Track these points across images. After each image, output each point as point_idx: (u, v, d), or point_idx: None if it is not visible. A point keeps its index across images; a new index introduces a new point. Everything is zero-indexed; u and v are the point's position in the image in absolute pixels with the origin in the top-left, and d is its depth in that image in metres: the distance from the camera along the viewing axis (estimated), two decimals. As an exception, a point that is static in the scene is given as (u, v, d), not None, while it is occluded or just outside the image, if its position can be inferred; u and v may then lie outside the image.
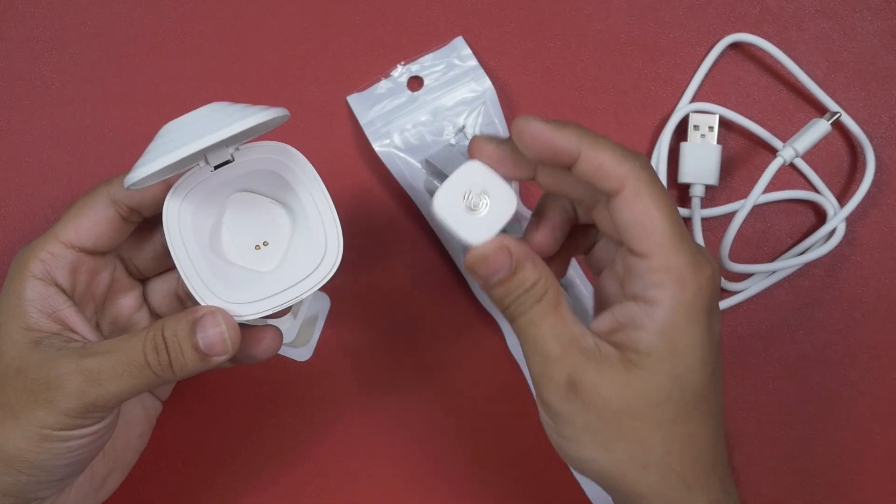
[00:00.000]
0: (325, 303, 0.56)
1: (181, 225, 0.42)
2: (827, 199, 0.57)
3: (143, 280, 0.48)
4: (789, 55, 0.57)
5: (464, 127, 0.56)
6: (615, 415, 0.39)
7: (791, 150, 0.52)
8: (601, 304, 0.44)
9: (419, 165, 0.56)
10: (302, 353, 0.56)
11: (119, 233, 0.44)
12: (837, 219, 0.55)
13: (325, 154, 0.56)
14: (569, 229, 0.45)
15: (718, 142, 0.56)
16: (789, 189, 0.57)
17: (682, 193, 0.57)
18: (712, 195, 0.57)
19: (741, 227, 0.52)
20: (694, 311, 0.39)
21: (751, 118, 0.57)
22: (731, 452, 0.56)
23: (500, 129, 0.56)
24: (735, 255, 0.56)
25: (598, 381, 0.39)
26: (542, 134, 0.40)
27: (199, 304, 0.42)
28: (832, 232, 0.56)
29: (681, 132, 0.57)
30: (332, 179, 0.44)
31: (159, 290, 0.48)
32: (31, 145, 0.56)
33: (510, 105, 0.57)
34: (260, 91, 0.57)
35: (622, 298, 0.41)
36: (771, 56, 0.57)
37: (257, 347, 0.44)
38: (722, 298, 0.56)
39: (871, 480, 0.56)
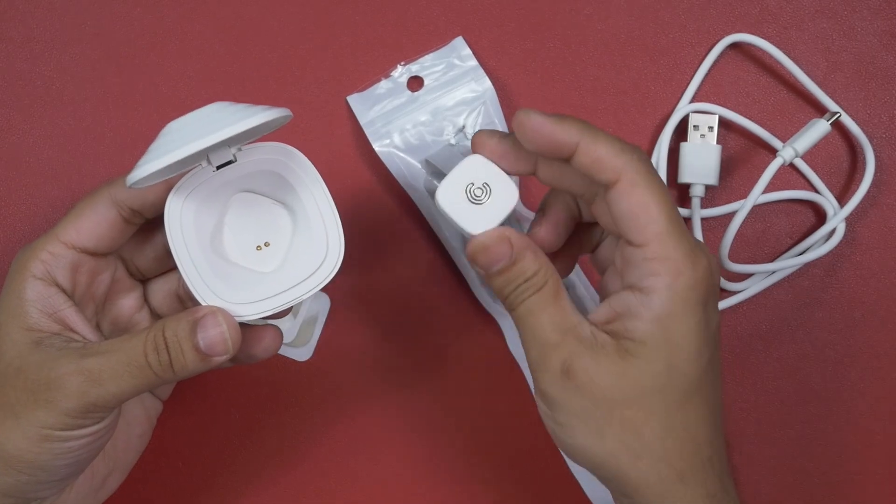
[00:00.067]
0: (325, 303, 0.56)
1: (183, 225, 0.42)
2: (827, 199, 0.57)
3: (143, 280, 0.48)
4: (789, 55, 0.57)
5: (464, 127, 0.56)
6: (610, 403, 0.40)
7: (791, 150, 0.52)
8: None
9: (419, 165, 0.56)
10: (302, 353, 0.56)
11: (120, 234, 0.44)
12: (837, 219, 0.55)
13: (325, 154, 0.56)
14: (572, 227, 0.45)
15: (718, 142, 0.57)
16: (789, 189, 0.57)
17: (681, 193, 0.57)
18: (712, 195, 0.57)
19: (741, 227, 0.52)
20: (690, 301, 0.39)
21: (751, 118, 0.57)
22: (731, 452, 0.56)
23: (501, 129, 0.56)
24: (735, 255, 0.57)
25: (592, 369, 0.40)
26: (543, 127, 0.40)
27: (199, 304, 0.42)
28: (832, 232, 0.56)
29: (681, 132, 0.57)
30: (332, 179, 0.44)
31: (160, 290, 0.48)
32: (31, 145, 0.56)
33: (510, 105, 0.57)
34: (260, 91, 0.57)
35: (620, 289, 0.41)
36: (771, 56, 0.57)
37: (257, 347, 0.44)
38: (722, 298, 0.56)
39: (871, 480, 0.56)
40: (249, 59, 0.57)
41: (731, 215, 0.54)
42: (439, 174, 0.55)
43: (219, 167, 0.43)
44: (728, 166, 0.57)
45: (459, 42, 0.57)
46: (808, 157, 0.57)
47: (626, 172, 0.39)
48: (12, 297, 0.43)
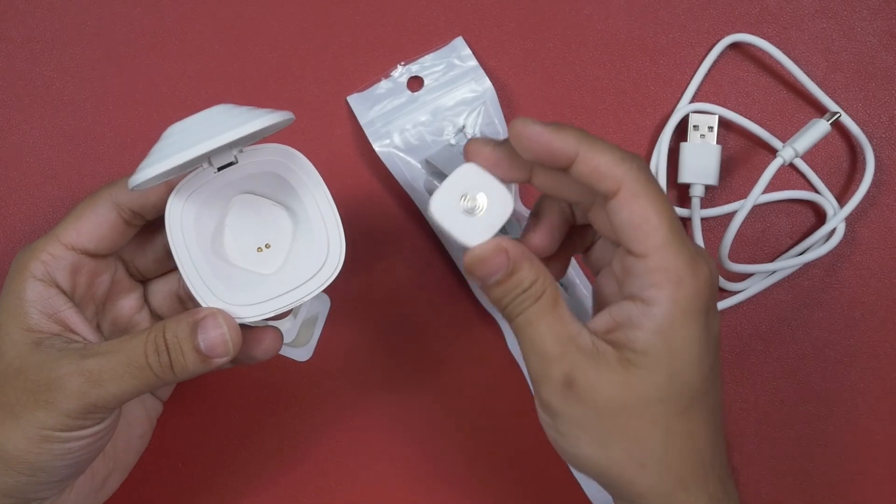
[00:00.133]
0: (325, 303, 0.56)
1: (184, 226, 0.42)
2: (826, 199, 0.57)
3: (143, 281, 0.48)
4: (789, 55, 0.57)
5: (464, 127, 0.56)
6: (613, 413, 0.39)
7: (791, 151, 0.52)
8: (600, 303, 0.44)
9: (419, 165, 0.56)
10: (302, 353, 0.56)
11: (121, 236, 0.44)
12: (837, 219, 0.55)
13: (325, 154, 0.56)
14: (567, 230, 0.45)
15: (718, 142, 0.57)
16: (789, 189, 0.57)
17: (681, 193, 0.57)
18: (712, 195, 0.57)
19: (741, 227, 0.52)
20: (691, 310, 0.39)
21: (750, 118, 0.57)
22: (731, 452, 0.56)
23: (500, 129, 0.56)
24: (735, 255, 0.57)
25: (595, 380, 0.39)
26: (540, 136, 0.40)
27: (200, 305, 0.42)
28: (832, 232, 0.56)
29: (681, 132, 0.57)
30: (332, 179, 0.44)
31: (160, 291, 0.48)
32: (31, 145, 0.56)
33: (510, 105, 0.57)
34: (260, 91, 0.57)
35: (619, 298, 0.41)
36: (771, 56, 0.57)
37: (258, 348, 0.44)
38: (722, 298, 0.56)
39: (871, 480, 0.56)
40: (249, 59, 0.57)
41: (731, 215, 0.54)
42: (439, 174, 0.55)
43: (220, 169, 0.43)
44: (728, 166, 0.57)
45: (459, 42, 0.57)
46: (808, 157, 0.57)
47: (626, 182, 0.39)
48: (12, 298, 0.43)
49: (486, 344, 0.56)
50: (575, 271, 0.56)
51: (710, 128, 0.56)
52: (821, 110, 0.57)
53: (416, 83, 0.57)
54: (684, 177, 0.56)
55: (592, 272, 0.46)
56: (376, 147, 0.56)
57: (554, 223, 0.44)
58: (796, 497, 0.56)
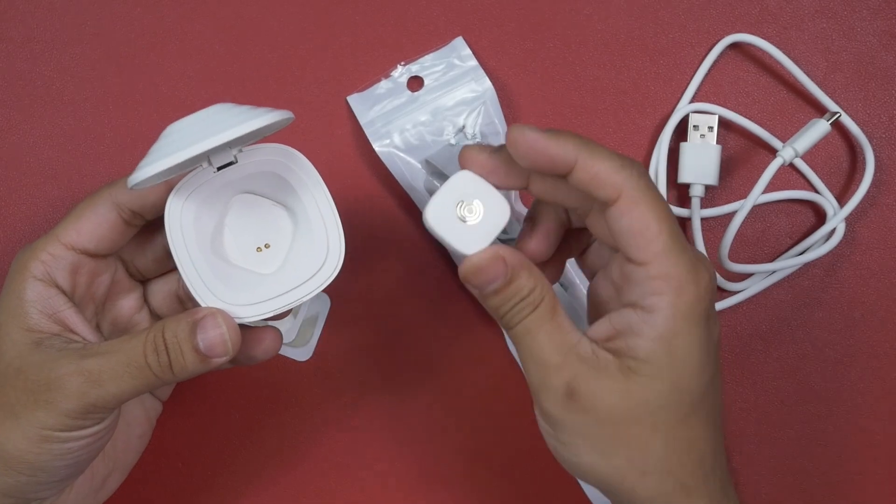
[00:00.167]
0: (325, 303, 0.56)
1: (183, 226, 0.42)
2: (826, 199, 0.57)
3: (143, 281, 0.48)
4: (789, 55, 0.57)
5: (464, 127, 0.56)
6: (615, 422, 0.39)
7: (791, 151, 0.52)
8: (596, 307, 0.44)
9: (419, 165, 0.56)
10: (302, 353, 0.56)
11: (121, 236, 0.44)
12: (837, 219, 0.55)
13: (325, 154, 0.56)
14: (562, 234, 0.45)
15: (718, 142, 0.57)
16: (789, 189, 0.57)
17: (681, 193, 0.57)
18: (712, 195, 0.57)
19: (741, 227, 0.52)
20: (692, 317, 0.39)
21: (750, 118, 0.57)
22: (731, 452, 0.56)
23: (500, 129, 0.56)
24: (735, 255, 0.57)
25: (597, 390, 0.39)
26: (538, 143, 0.39)
27: (199, 305, 0.42)
28: (832, 232, 0.56)
29: (680, 132, 0.57)
30: (332, 179, 0.44)
31: (160, 291, 0.48)
32: (31, 145, 0.56)
33: (510, 105, 0.57)
34: (260, 91, 0.57)
35: (618, 305, 0.41)
36: (771, 56, 0.57)
37: (257, 348, 0.44)
38: (722, 298, 0.56)
39: (871, 480, 0.56)
40: (249, 59, 0.57)
41: (731, 215, 0.54)
42: (439, 174, 0.55)
43: (219, 168, 0.43)
44: (728, 166, 0.57)
45: (459, 42, 0.57)
46: (808, 157, 0.57)
47: (626, 189, 0.39)
48: (12, 298, 0.43)
49: (485, 344, 0.56)
50: (574, 271, 0.56)
51: (710, 128, 0.56)
52: (821, 110, 0.57)
53: (416, 83, 0.57)
54: (684, 177, 0.56)
55: (587, 275, 0.46)
56: (376, 147, 0.56)
57: (550, 228, 0.44)
58: (796, 497, 0.56)
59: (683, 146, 0.56)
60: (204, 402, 0.56)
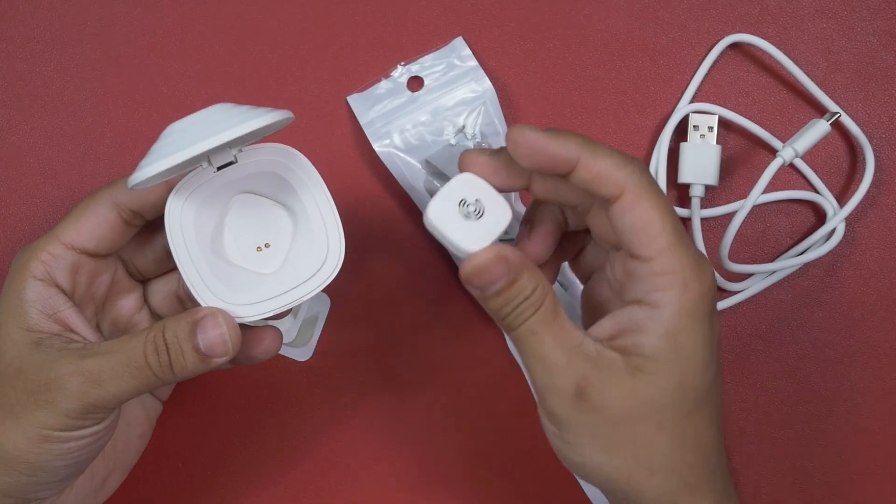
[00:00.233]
0: (325, 303, 0.56)
1: (183, 226, 0.42)
2: (826, 200, 0.57)
3: (143, 281, 0.48)
4: (789, 55, 0.57)
5: (464, 127, 0.56)
6: (621, 420, 0.39)
7: (791, 151, 0.52)
8: (593, 310, 0.44)
9: (419, 165, 0.56)
10: (302, 353, 0.56)
11: (121, 236, 0.44)
12: (837, 219, 0.55)
13: (325, 154, 0.56)
14: (559, 236, 0.45)
15: (718, 142, 0.57)
16: (789, 189, 0.57)
17: (681, 194, 0.57)
18: (712, 195, 0.57)
19: (741, 227, 0.52)
20: (697, 314, 0.39)
21: (750, 118, 0.57)
22: (731, 452, 0.56)
23: (500, 129, 0.56)
24: (735, 255, 0.57)
25: (604, 388, 0.39)
26: (538, 143, 0.39)
27: (199, 305, 0.42)
28: (832, 232, 0.56)
29: (680, 132, 0.57)
30: (332, 179, 0.44)
31: (160, 291, 0.48)
32: (31, 145, 0.56)
33: (510, 105, 0.57)
34: (260, 91, 0.57)
35: (620, 304, 0.41)
36: (771, 56, 0.57)
37: (257, 348, 0.44)
38: (722, 298, 0.56)
39: (871, 480, 0.56)
40: (249, 59, 0.57)
41: (731, 215, 0.54)
42: (439, 174, 0.55)
43: (219, 168, 0.43)
44: (728, 166, 0.57)
45: (459, 42, 0.57)
46: (808, 157, 0.57)
47: (628, 186, 0.39)
48: (12, 298, 0.43)
49: (486, 344, 0.56)
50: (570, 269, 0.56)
51: (710, 128, 0.56)
52: (821, 110, 0.57)
53: (416, 83, 0.57)
54: (684, 177, 0.56)
55: (581, 278, 0.46)
56: (376, 147, 0.56)
57: (548, 229, 0.44)
58: (796, 497, 0.56)
59: (683, 146, 0.56)
60: (204, 402, 0.56)
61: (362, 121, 0.56)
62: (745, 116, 0.57)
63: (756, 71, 0.58)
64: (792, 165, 0.57)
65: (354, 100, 0.56)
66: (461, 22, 0.57)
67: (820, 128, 0.52)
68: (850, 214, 0.56)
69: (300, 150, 0.44)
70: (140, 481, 0.53)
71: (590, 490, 0.55)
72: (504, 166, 0.42)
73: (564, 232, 0.45)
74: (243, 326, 0.42)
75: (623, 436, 0.39)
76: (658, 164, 0.57)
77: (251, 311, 0.42)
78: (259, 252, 0.45)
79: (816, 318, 0.57)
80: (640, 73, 0.58)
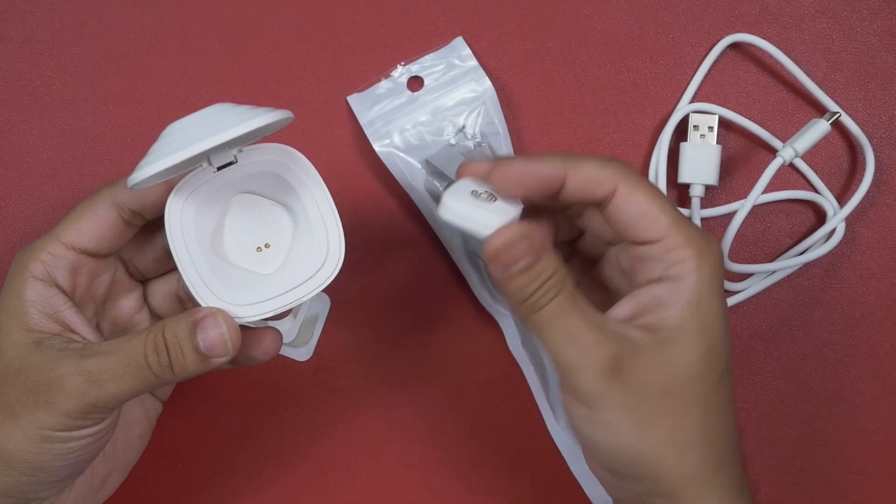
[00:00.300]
0: (325, 303, 0.56)
1: (183, 226, 0.42)
2: (826, 199, 0.57)
3: (143, 281, 0.48)
4: (789, 55, 0.57)
5: (464, 127, 0.56)
6: (658, 396, 0.40)
7: (791, 151, 0.52)
8: (598, 304, 0.44)
9: (419, 165, 0.56)
10: (302, 353, 0.56)
11: (121, 236, 0.44)
12: (837, 219, 0.55)
13: (324, 154, 0.56)
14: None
15: (718, 142, 0.57)
16: (789, 189, 0.57)
17: (681, 193, 0.57)
18: (712, 195, 0.57)
19: (741, 227, 0.53)
20: (715, 283, 0.41)
21: (750, 118, 0.57)
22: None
23: (500, 129, 0.56)
24: (735, 255, 0.57)
25: (638, 364, 0.40)
26: (527, 169, 0.41)
27: (199, 305, 0.42)
28: (832, 232, 0.56)
29: (681, 132, 0.57)
30: (332, 179, 0.44)
31: (160, 291, 0.48)
32: (31, 145, 0.56)
33: (510, 105, 0.57)
34: (260, 91, 0.57)
35: (631, 288, 0.42)
36: (771, 56, 0.57)
37: (257, 349, 0.44)
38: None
39: (871, 480, 0.56)
40: (249, 59, 0.57)
41: (731, 215, 0.54)
42: (439, 174, 0.55)
43: (219, 168, 0.43)
44: (728, 166, 0.57)
45: (459, 42, 0.57)
46: (808, 157, 0.57)
47: (619, 181, 0.41)
48: (12, 298, 0.43)
49: (486, 344, 0.56)
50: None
51: (710, 128, 0.56)
52: (821, 110, 0.57)
53: (416, 83, 0.57)
54: (684, 177, 0.56)
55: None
56: (376, 147, 0.56)
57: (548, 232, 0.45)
58: (796, 497, 0.56)
59: (683, 146, 0.56)
60: (204, 402, 0.56)
61: (362, 121, 0.56)
62: (745, 116, 0.57)
63: (756, 71, 0.58)
64: (792, 165, 0.57)
65: (354, 100, 0.56)
66: (461, 22, 0.57)
67: (820, 128, 0.52)
68: (850, 214, 0.56)
69: (300, 150, 0.44)
70: (140, 481, 0.53)
71: (590, 490, 0.55)
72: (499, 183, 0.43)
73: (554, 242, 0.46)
74: (243, 327, 0.42)
75: (658, 411, 0.40)
76: (658, 164, 0.57)
77: (251, 312, 0.42)
78: (259, 252, 0.45)
79: (816, 318, 0.57)
80: (640, 73, 0.58)
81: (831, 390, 0.57)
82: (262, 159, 0.43)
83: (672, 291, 0.40)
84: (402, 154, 0.56)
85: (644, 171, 0.57)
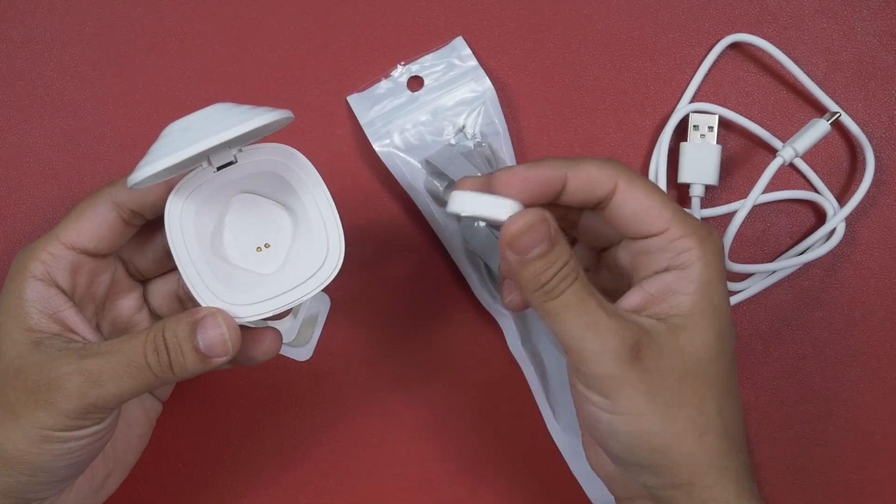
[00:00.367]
0: (325, 303, 0.56)
1: (183, 226, 0.42)
2: (827, 199, 0.57)
3: (143, 281, 0.48)
4: (789, 55, 0.57)
5: (464, 127, 0.56)
6: (677, 381, 0.40)
7: (791, 150, 0.52)
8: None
9: (419, 165, 0.56)
10: (302, 353, 0.56)
11: (120, 236, 0.44)
12: (837, 219, 0.55)
13: (325, 154, 0.56)
14: None
15: (718, 142, 0.57)
16: (789, 189, 0.57)
17: (681, 193, 0.57)
18: (712, 195, 0.57)
19: (741, 227, 0.53)
20: (719, 270, 0.42)
21: (750, 118, 0.57)
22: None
23: (500, 129, 0.56)
24: (735, 255, 0.57)
25: (655, 350, 0.40)
26: (528, 173, 0.42)
27: (199, 305, 0.42)
28: (832, 232, 0.56)
29: (681, 132, 0.57)
30: (332, 179, 0.44)
31: (160, 291, 0.48)
32: (31, 145, 0.56)
33: (510, 105, 0.57)
34: (260, 91, 0.57)
35: (638, 279, 0.43)
36: (771, 56, 0.57)
37: (257, 349, 0.44)
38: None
39: (871, 480, 0.56)
40: (249, 59, 0.57)
41: (731, 215, 0.54)
42: (439, 174, 0.55)
43: (219, 168, 0.43)
44: (728, 166, 0.57)
45: (459, 42, 0.57)
46: (808, 157, 0.57)
47: (619, 179, 0.42)
48: (12, 298, 0.43)
49: (486, 344, 0.56)
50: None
51: (710, 128, 0.56)
52: (821, 110, 0.57)
53: (416, 83, 0.57)
54: (684, 177, 0.56)
55: None
56: (376, 147, 0.56)
57: None
58: (796, 497, 0.56)
59: (683, 146, 0.56)
60: (204, 402, 0.56)
61: (362, 121, 0.56)
62: (745, 116, 0.57)
63: (756, 71, 0.58)
64: (792, 165, 0.57)
65: (354, 100, 0.56)
66: (461, 22, 0.57)
67: (820, 127, 0.52)
68: (850, 214, 0.56)
69: (300, 150, 0.44)
70: (140, 481, 0.53)
71: (590, 490, 0.55)
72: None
73: None
74: (243, 327, 0.42)
75: (679, 396, 0.40)
76: (658, 164, 0.57)
77: (251, 311, 0.42)
78: (259, 252, 0.45)
79: (816, 318, 0.57)
80: (640, 73, 0.58)
81: (831, 390, 0.57)
82: (262, 159, 0.43)
83: (681, 279, 0.41)
84: (402, 154, 0.56)
85: (644, 170, 0.57)
